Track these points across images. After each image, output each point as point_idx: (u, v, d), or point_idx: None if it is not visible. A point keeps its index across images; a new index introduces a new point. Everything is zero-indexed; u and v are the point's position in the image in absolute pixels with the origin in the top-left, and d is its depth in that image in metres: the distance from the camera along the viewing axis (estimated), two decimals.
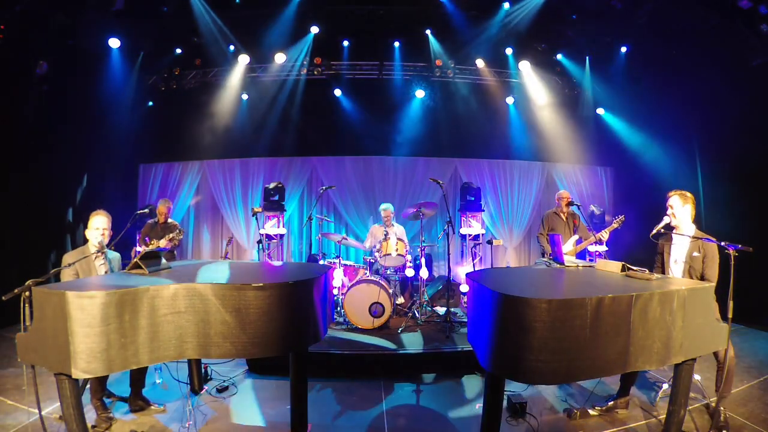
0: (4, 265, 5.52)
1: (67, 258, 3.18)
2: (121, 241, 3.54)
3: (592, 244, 5.13)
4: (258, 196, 7.95)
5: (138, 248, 5.70)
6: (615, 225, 4.62)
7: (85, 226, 3.35)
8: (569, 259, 3.66)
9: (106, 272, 3.34)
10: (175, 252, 5.94)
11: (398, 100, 7.94)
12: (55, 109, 6.25)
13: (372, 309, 5.07)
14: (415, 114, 8.04)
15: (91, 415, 3.24)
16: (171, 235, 4.66)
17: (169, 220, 5.75)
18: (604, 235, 4.70)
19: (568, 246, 4.89)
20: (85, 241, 3.35)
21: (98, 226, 3.29)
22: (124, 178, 7.93)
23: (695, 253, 3.22)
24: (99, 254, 3.30)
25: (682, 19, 6.01)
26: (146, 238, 5.51)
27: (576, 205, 5.03)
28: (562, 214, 5.13)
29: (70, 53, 6.11)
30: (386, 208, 6.05)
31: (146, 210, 5.13)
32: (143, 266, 2.83)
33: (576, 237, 4.97)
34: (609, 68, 7.26)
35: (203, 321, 2.47)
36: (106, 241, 3.32)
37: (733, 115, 6.08)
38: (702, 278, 3.19)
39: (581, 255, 5.39)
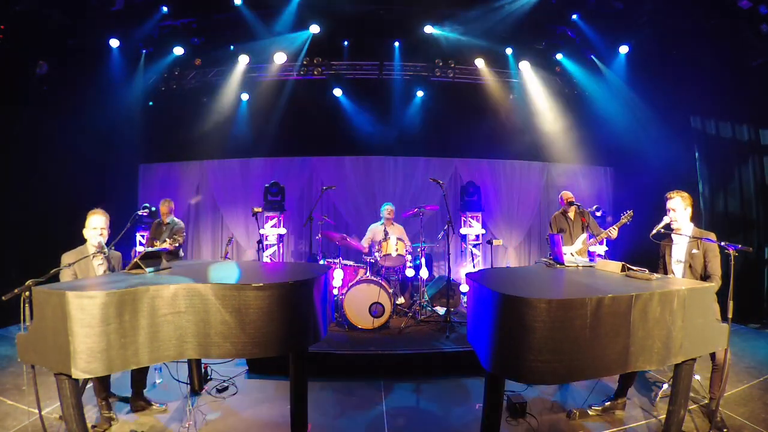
0: (4, 265, 5.52)
1: (66, 258, 3.15)
2: (120, 240, 3.54)
3: (599, 242, 5.11)
4: (258, 196, 7.95)
5: (138, 249, 5.63)
6: (624, 220, 4.59)
7: (84, 226, 3.31)
8: (569, 259, 3.66)
9: (104, 272, 3.32)
10: (181, 252, 5.76)
11: (398, 100, 7.93)
12: (55, 109, 6.25)
13: (372, 309, 5.07)
14: (415, 114, 8.04)
15: (91, 415, 3.25)
16: (175, 236, 4.54)
17: (169, 219, 5.69)
18: (614, 231, 4.67)
19: (578, 245, 4.89)
20: (84, 240, 3.32)
21: (96, 225, 3.25)
22: (124, 178, 7.93)
23: (694, 250, 3.23)
24: (98, 254, 3.27)
25: (683, 19, 6.00)
26: (153, 239, 5.47)
27: (576, 204, 5.02)
28: (569, 214, 5.14)
29: (70, 53, 6.11)
30: (388, 207, 6.13)
31: (146, 210, 5.11)
32: (143, 266, 2.83)
33: (585, 235, 4.96)
34: (609, 68, 7.26)
35: (203, 321, 2.47)
36: (105, 240, 3.28)
37: (733, 115, 6.08)
38: (705, 275, 3.20)
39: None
